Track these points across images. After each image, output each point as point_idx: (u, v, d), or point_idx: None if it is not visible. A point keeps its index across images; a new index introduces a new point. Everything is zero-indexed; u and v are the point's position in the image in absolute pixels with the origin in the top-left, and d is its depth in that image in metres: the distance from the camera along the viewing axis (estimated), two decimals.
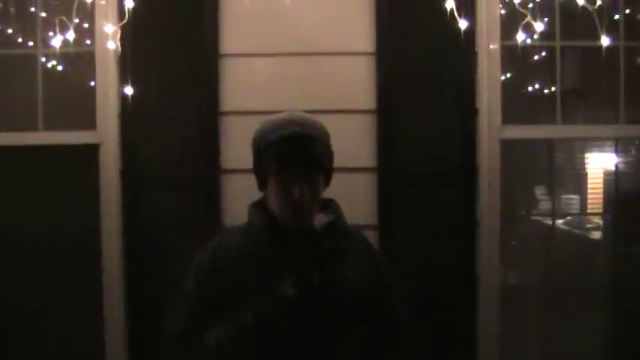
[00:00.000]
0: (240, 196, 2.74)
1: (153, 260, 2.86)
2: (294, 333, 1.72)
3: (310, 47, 2.88)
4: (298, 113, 1.86)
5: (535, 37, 2.82)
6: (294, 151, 1.75)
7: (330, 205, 1.91)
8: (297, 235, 1.78)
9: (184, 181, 2.86)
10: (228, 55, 2.88)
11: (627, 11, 3.01)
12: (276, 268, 1.73)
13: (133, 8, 2.68)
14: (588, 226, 3.40)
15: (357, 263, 1.87)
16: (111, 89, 2.88)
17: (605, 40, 2.77)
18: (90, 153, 2.90)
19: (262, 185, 1.86)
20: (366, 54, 2.89)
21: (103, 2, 2.83)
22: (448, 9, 2.54)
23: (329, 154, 1.86)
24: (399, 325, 2.02)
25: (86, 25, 2.91)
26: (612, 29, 2.93)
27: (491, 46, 2.90)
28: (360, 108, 2.89)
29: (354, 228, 2.01)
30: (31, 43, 3.03)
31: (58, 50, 2.72)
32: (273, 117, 1.84)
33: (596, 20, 2.72)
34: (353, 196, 2.80)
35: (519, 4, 2.71)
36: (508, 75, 3.02)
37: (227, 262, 1.80)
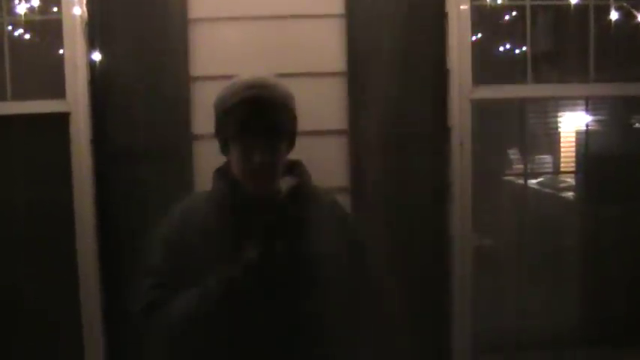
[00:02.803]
0: (212, 161, 2.74)
1: (126, 229, 2.84)
2: (258, 299, 1.68)
3: (280, 10, 2.85)
4: (260, 76, 1.80)
5: None
6: (254, 116, 1.72)
7: (295, 168, 1.88)
8: (260, 200, 1.76)
9: (156, 148, 2.83)
10: (197, 20, 2.85)
11: None
12: (238, 235, 1.70)
13: None
14: (561, 185, 3.43)
15: (324, 227, 1.83)
16: (79, 57, 2.83)
17: None
18: (60, 122, 2.86)
19: (225, 149, 1.84)
20: (335, 16, 2.86)
21: None
22: None
23: (291, 117, 1.82)
24: (371, 289, 1.99)
25: None
26: None
27: (461, 7, 2.88)
28: (330, 70, 2.88)
29: (322, 190, 1.97)
30: None
31: (24, 18, 2.71)
32: (234, 80, 1.80)
33: None
34: (325, 159, 2.81)
35: None
36: (479, 35, 3.01)
37: (191, 230, 1.77)
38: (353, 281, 1.89)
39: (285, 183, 1.82)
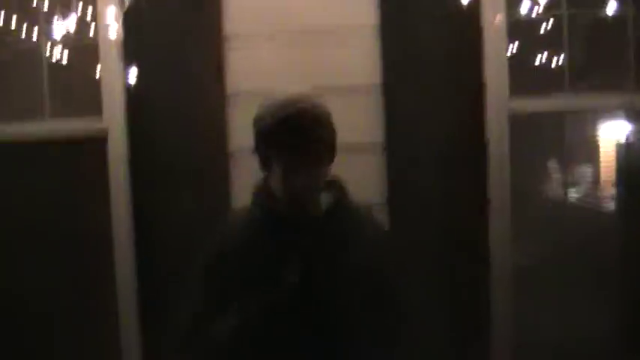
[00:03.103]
0: (249, 177, 2.74)
1: (165, 248, 2.86)
2: (300, 321, 1.67)
3: (314, 23, 2.86)
4: (299, 93, 1.78)
5: (541, 7, 2.79)
6: (296, 133, 1.69)
7: (334, 185, 1.86)
8: (299, 220, 1.75)
9: (193, 166, 2.85)
10: (231, 36, 2.86)
11: None
12: (279, 256, 1.69)
13: None
14: (602, 198, 3.36)
15: (363, 244, 1.81)
16: (116, 76, 2.87)
17: (611, 8, 2.74)
18: (98, 143, 2.90)
19: (265, 166, 1.81)
20: (370, 29, 2.86)
21: None
22: None
23: (332, 133, 1.79)
24: (404, 306, 1.94)
25: (90, 13, 2.91)
26: None
27: (497, 19, 2.85)
28: (366, 84, 2.86)
29: (360, 207, 1.94)
30: (34, 32, 3.02)
31: (62, 39, 2.76)
32: (273, 97, 1.77)
33: None
34: (361, 174, 2.76)
35: None
36: (515, 47, 2.97)
37: (232, 249, 1.77)
38: (388, 295, 1.85)
39: (325, 200, 1.81)
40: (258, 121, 1.79)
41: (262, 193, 1.83)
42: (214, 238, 1.85)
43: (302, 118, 1.70)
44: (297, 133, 1.70)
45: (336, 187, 1.87)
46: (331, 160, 1.83)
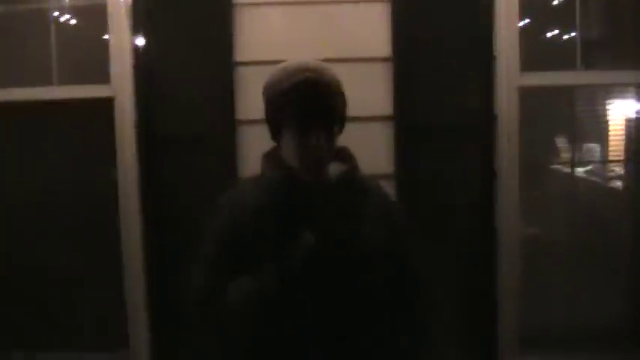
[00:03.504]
0: (256, 147, 2.72)
1: (171, 215, 2.87)
2: (317, 285, 1.69)
3: None
4: (310, 60, 1.78)
5: None
6: (311, 98, 1.70)
7: (343, 154, 1.87)
8: (313, 185, 1.75)
9: (200, 134, 2.85)
10: (241, 5, 2.84)
11: None
12: (294, 220, 1.70)
13: None
14: (609, 174, 3.34)
15: (374, 213, 1.83)
16: (124, 42, 2.85)
17: None
18: (105, 107, 2.88)
19: (276, 134, 1.82)
20: (381, 1, 2.83)
21: None
22: None
23: (343, 101, 1.81)
24: (416, 279, 1.97)
25: None
26: None
27: None
28: (375, 56, 2.84)
29: (369, 178, 1.96)
30: None
31: (69, 3, 2.73)
32: (284, 64, 1.78)
33: None
34: (369, 145, 2.79)
35: None
36: (527, 21, 2.94)
37: (243, 216, 1.75)
38: (399, 267, 1.89)
39: (335, 169, 1.81)
40: (269, 88, 1.79)
41: (273, 160, 1.83)
42: (226, 203, 1.83)
43: (314, 84, 1.71)
44: (309, 98, 1.70)
45: (346, 156, 1.87)
46: (341, 128, 1.85)
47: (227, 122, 2.82)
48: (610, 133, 3.22)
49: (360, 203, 1.83)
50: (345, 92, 1.82)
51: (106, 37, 2.89)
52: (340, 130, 1.85)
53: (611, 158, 3.27)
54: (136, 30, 2.81)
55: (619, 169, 3.27)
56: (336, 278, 1.70)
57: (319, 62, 1.79)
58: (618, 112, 3.16)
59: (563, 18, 3.04)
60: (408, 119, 2.83)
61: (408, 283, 1.94)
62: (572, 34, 2.99)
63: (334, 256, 1.69)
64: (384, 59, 2.84)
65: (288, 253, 1.66)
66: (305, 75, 1.71)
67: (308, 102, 1.70)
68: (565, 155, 3.14)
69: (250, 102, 2.80)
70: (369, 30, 2.85)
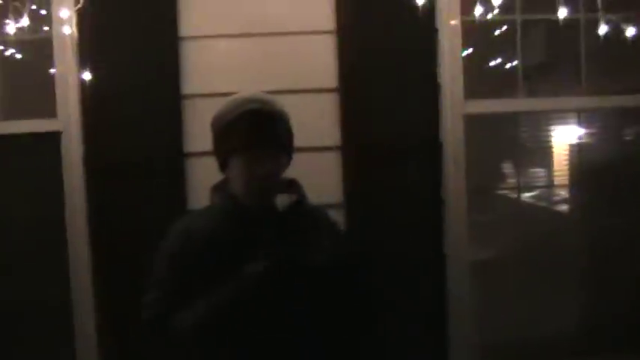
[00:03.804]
0: (204, 179, 2.71)
1: (120, 247, 2.84)
2: (266, 311, 1.73)
3: (271, 27, 2.85)
4: (256, 92, 1.87)
5: (495, 11, 2.83)
6: (258, 128, 1.76)
7: (292, 185, 1.93)
8: (260, 215, 1.80)
9: (148, 166, 2.83)
10: (188, 38, 2.85)
11: None
12: (241, 249, 1.74)
13: None
14: (555, 198, 3.42)
15: (322, 243, 1.87)
16: (70, 76, 2.83)
17: (563, 13, 2.79)
18: (52, 141, 2.85)
19: (223, 166, 1.86)
20: (327, 32, 2.86)
21: None
22: None
23: (289, 131, 1.87)
24: (365, 305, 2.02)
25: (43, 11, 2.86)
26: (572, 1, 2.93)
27: (451, 22, 2.89)
28: (322, 87, 2.87)
29: (319, 207, 2.03)
30: None
31: (14, 37, 2.71)
32: (232, 97, 1.85)
33: None
34: (319, 174, 2.80)
35: None
36: (470, 50, 3.00)
37: (193, 245, 1.80)
38: (348, 293, 1.93)
39: (284, 199, 1.86)
40: (216, 120, 1.86)
41: (222, 191, 1.89)
42: (176, 230, 1.88)
43: (258, 115, 1.78)
44: (253, 128, 1.77)
45: (295, 187, 1.94)
46: (288, 158, 1.91)
47: (175, 154, 2.82)
48: (554, 157, 3.29)
49: (308, 231, 1.87)
50: (290, 123, 1.89)
51: (52, 70, 2.87)
52: (288, 161, 1.90)
53: (555, 183, 3.34)
54: (82, 63, 2.79)
55: (564, 193, 3.35)
56: (283, 303, 1.75)
57: (264, 94, 1.87)
58: (561, 137, 3.24)
59: (505, 47, 3.11)
60: (356, 148, 2.86)
61: (358, 309, 1.98)
62: (514, 62, 3.06)
63: (282, 282, 1.72)
64: (331, 90, 2.87)
65: (238, 279, 1.70)
66: (249, 106, 1.78)
67: (252, 132, 1.76)
68: (511, 180, 3.20)
69: (199, 134, 2.79)
70: (316, 61, 2.88)
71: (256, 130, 1.76)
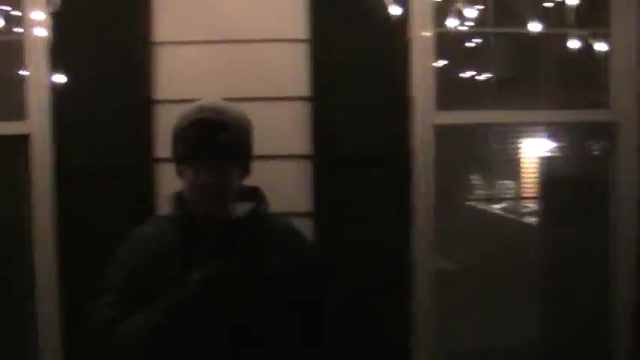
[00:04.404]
0: (174, 184, 2.72)
1: (87, 252, 2.80)
2: (206, 323, 1.71)
3: (244, 34, 2.86)
4: (214, 100, 1.87)
5: (468, 23, 2.87)
6: (202, 138, 1.76)
7: (252, 194, 1.92)
8: (212, 223, 1.80)
9: (118, 172, 2.82)
10: (159, 43, 2.84)
11: None
12: (189, 258, 1.74)
13: None
14: (523, 210, 3.47)
15: (278, 253, 1.86)
16: (41, 78, 2.81)
17: (534, 27, 2.84)
18: (20, 144, 2.84)
19: (179, 173, 1.86)
20: (299, 41, 2.87)
21: None
22: None
23: (242, 141, 1.85)
24: (327, 316, 2.00)
25: (16, 13, 2.84)
26: (543, 16, 2.98)
27: (424, 33, 2.91)
28: (294, 95, 2.88)
29: (279, 217, 2.00)
30: None
31: None
32: (191, 104, 1.85)
33: (525, 7, 2.81)
34: (289, 183, 2.84)
35: None
36: (442, 61, 3.04)
37: (146, 252, 1.81)
38: (310, 304, 1.92)
39: (243, 207, 1.86)
40: (174, 127, 1.86)
41: (178, 199, 1.88)
42: (131, 238, 1.90)
43: (208, 123, 1.77)
44: (201, 137, 1.76)
45: (256, 195, 1.93)
46: (242, 166, 1.88)
47: (145, 159, 2.81)
48: (522, 169, 3.34)
49: (264, 240, 1.86)
50: (250, 132, 1.88)
51: (23, 73, 2.86)
52: (244, 170, 1.89)
53: (523, 195, 3.39)
54: (53, 66, 2.78)
55: (531, 205, 3.40)
56: (228, 314, 1.72)
57: (223, 103, 1.87)
58: (530, 150, 3.29)
59: (477, 59, 3.16)
60: (326, 157, 2.87)
61: (323, 320, 1.98)
62: (486, 74, 3.11)
63: (227, 292, 1.70)
64: (303, 98, 2.88)
65: (177, 290, 1.69)
66: (198, 115, 1.78)
67: (200, 140, 1.76)
68: (480, 192, 3.24)
69: (168, 139, 2.78)
70: (288, 69, 2.89)
71: (201, 140, 1.76)
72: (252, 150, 1.90)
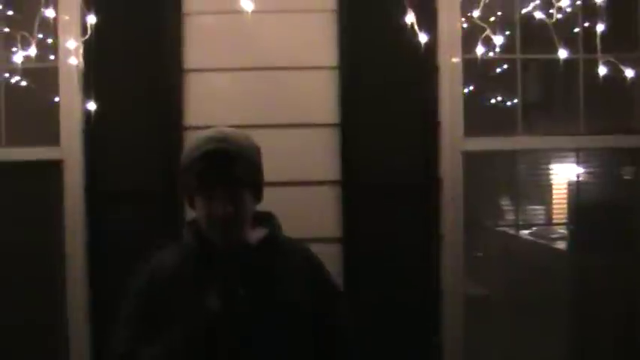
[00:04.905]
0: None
1: (119, 275, 2.82)
2: (222, 350, 1.72)
3: (273, 62, 2.89)
4: (224, 129, 1.86)
5: (496, 50, 2.87)
6: (211, 168, 1.76)
7: (267, 220, 1.93)
8: (226, 251, 1.80)
9: (148, 197, 2.86)
10: (191, 70, 2.89)
11: (586, 24, 3.06)
12: (205, 287, 1.74)
13: (96, 24, 2.72)
14: (553, 236, 3.44)
15: (293, 280, 1.86)
16: (74, 105, 2.87)
17: (563, 53, 2.84)
18: (54, 169, 2.88)
19: (190, 203, 1.87)
20: (328, 68, 2.90)
21: (67, 18, 2.83)
22: (409, 23, 2.59)
23: (253, 168, 1.85)
24: (341, 341, 1.97)
25: (50, 41, 2.91)
26: (571, 42, 2.98)
27: (452, 60, 2.93)
28: (323, 122, 2.90)
29: (296, 242, 2.00)
30: None
31: (20, 66, 2.75)
32: (197, 135, 1.86)
33: (554, 34, 2.80)
34: (318, 208, 2.84)
35: (480, 18, 2.77)
36: (470, 88, 3.05)
37: (161, 282, 1.82)
38: (325, 329, 1.91)
39: (257, 233, 1.87)
40: (183, 157, 1.86)
41: (192, 227, 1.89)
42: (143, 268, 1.90)
43: (218, 153, 1.76)
44: (213, 166, 1.76)
45: (269, 221, 1.94)
46: (255, 196, 1.88)
47: (174, 185, 2.81)
48: (551, 196, 3.32)
49: (276, 267, 1.86)
50: (259, 159, 1.88)
51: (56, 99, 2.91)
52: (256, 198, 1.88)
53: (554, 221, 3.37)
54: (86, 93, 2.82)
55: (561, 231, 3.37)
56: (249, 340, 1.73)
57: (232, 131, 1.86)
58: (558, 175, 3.27)
59: (504, 85, 3.15)
60: (355, 184, 2.88)
61: (338, 343, 1.95)
62: (514, 100, 3.10)
63: (242, 320, 1.71)
64: (331, 125, 2.90)
65: (192, 318, 1.70)
66: (208, 146, 1.77)
67: (210, 171, 1.76)
68: (509, 218, 3.22)
69: None
70: (317, 96, 2.91)
71: (210, 170, 1.76)
72: (263, 175, 1.90)
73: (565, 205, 3.30)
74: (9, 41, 2.88)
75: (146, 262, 1.91)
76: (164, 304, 1.77)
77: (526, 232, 3.33)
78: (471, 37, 2.91)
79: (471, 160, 2.99)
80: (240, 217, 1.80)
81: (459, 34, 2.96)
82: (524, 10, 3.05)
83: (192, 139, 1.86)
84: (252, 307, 1.72)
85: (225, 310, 1.68)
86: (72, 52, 2.73)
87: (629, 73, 2.86)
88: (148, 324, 1.77)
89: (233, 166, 1.77)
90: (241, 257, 1.80)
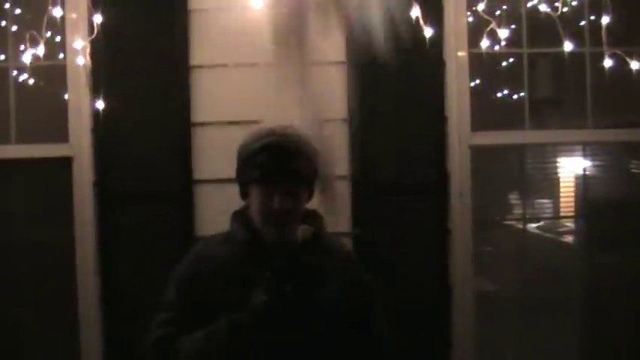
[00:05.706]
0: (213, 206, 2.79)
1: (128, 272, 2.86)
2: (267, 344, 1.72)
3: (280, 57, 2.86)
4: (285, 126, 1.87)
5: (502, 44, 2.87)
6: (276, 161, 1.77)
7: (312, 217, 1.94)
8: (276, 246, 1.80)
9: (158, 193, 2.87)
10: (199, 67, 2.89)
11: (592, 18, 3.06)
12: (251, 280, 1.73)
13: (102, 23, 2.74)
14: (561, 230, 3.44)
15: (337, 279, 1.86)
16: (83, 103, 2.88)
17: (568, 46, 2.84)
18: (63, 166, 2.90)
19: (244, 194, 1.88)
20: (337, 63, 2.90)
21: (74, 16, 2.84)
22: (414, 17, 2.60)
23: (312, 166, 1.87)
24: (379, 342, 1.98)
25: (58, 40, 2.92)
26: (578, 36, 2.98)
27: (459, 54, 2.93)
28: (332, 117, 2.89)
29: (337, 240, 2.04)
30: (2, 57, 3.03)
31: (29, 64, 2.77)
32: (259, 127, 1.88)
33: (560, 27, 2.80)
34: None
35: (486, 12, 2.78)
36: (477, 82, 3.05)
37: (208, 272, 1.81)
38: (363, 324, 1.91)
39: (303, 230, 1.87)
40: (241, 149, 1.87)
41: (241, 219, 1.90)
42: (191, 256, 1.90)
43: (280, 147, 1.79)
44: (275, 160, 1.77)
45: (315, 218, 1.95)
46: (309, 192, 1.91)
47: (184, 181, 2.85)
48: (560, 190, 3.31)
49: (323, 264, 1.82)
50: (316, 159, 1.89)
51: (65, 96, 2.92)
52: (310, 194, 1.91)
53: (562, 214, 3.36)
54: (95, 90, 2.83)
55: (569, 225, 3.37)
56: (289, 337, 1.73)
57: (289, 128, 1.87)
58: (567, 169, 3.26)
59: (511, 79, 3.15)
60: (364, 179, 2.88)
61: (374, 341, 1.96)
62: (521, 94, 3.10)
63: (287, 316, 1.70)
64: (339, 120, 2.90)
65: (238, 312, 1.69)
66: (273, 138, 1.79)
67: (272, 164, 1.77)
68: (517, 212, 3.22)
69: (208, 161, 2.84)
70: (326, 92, 2.89)
71: (274, 163, 1.77)
72: (317, 176, 1.92)
73: (573, 199, 3.30)
74: (18, 40, 2.89)
75: (191, 251, 1.91)
76: (209, 294, 1.77)
77: (534, 225, 3.32)
78: (477, 31, 2.91)
79: (479, 154, 2.99)
80: (295, 213, 1.83)
81: (465, 28, 2.96)
82: (530, 4, 3.05)
83: (252, 131, 1.87)
84: (297, 304, 1.71)
85: (271, 306, 1.68)
86: (79, 51, 2.75)
87: (636, 65, 2.86)
88: (190, 312, 1.78)
89: (296, 161, 1.79)
90: (290, 253, 1.77)
